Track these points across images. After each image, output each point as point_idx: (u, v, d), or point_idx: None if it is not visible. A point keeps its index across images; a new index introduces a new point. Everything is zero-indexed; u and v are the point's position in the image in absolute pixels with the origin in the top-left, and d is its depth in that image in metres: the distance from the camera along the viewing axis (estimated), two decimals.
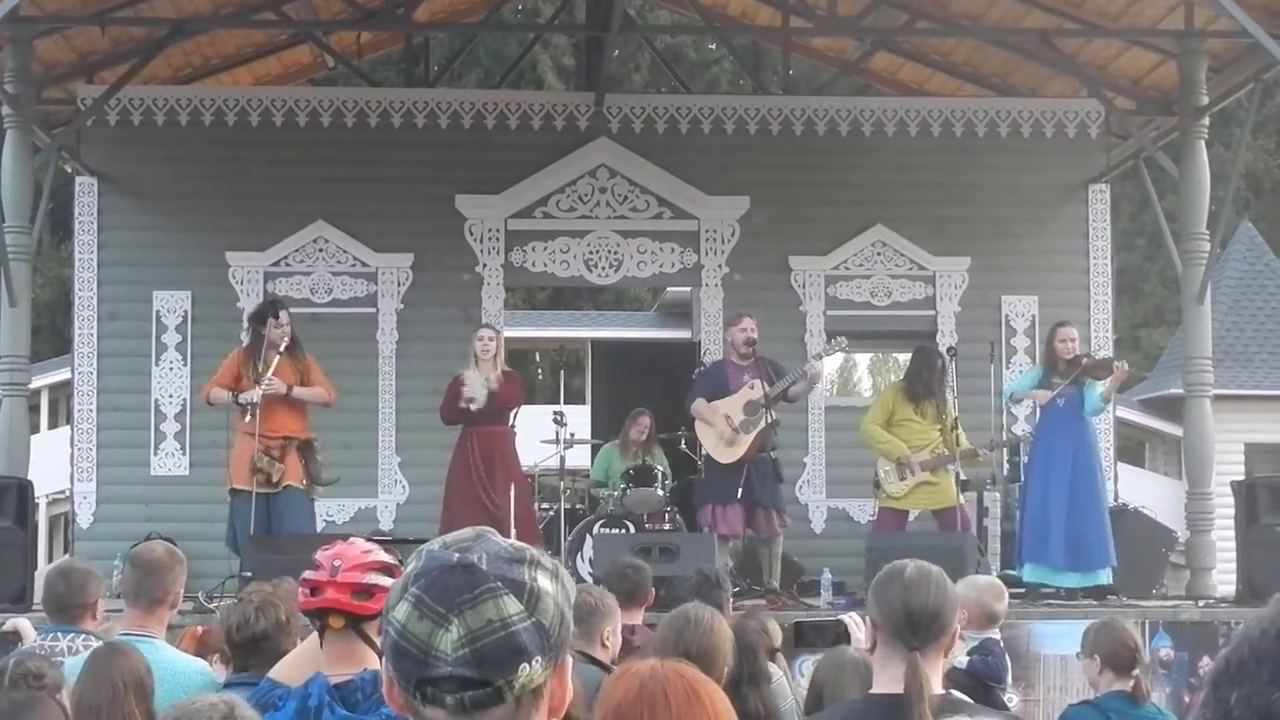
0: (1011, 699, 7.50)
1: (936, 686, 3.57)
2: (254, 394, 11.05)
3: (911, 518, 12.43)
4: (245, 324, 12.58)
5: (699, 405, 12.03)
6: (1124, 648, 6.12)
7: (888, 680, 3.59)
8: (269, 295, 13.17)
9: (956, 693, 3.66)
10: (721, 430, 11.85)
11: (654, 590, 7.27)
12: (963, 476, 12.33)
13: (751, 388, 11.83)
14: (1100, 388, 11.89)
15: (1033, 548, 11.81)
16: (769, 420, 11.72)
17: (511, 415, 12.09)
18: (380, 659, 1.87)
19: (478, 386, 11.75)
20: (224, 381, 11.44)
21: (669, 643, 4.54)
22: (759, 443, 11.77)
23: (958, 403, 12.30)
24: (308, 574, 4.03)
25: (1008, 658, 6.98)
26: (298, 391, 11.21)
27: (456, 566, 1.72)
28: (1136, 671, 6.09)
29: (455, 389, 11.97)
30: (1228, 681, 1.20)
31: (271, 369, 11.18)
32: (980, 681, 6.42)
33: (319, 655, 4.03)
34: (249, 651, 4.84)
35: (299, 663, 4.08)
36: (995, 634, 6.83)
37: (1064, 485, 11.74)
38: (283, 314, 11.48)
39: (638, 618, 6.89)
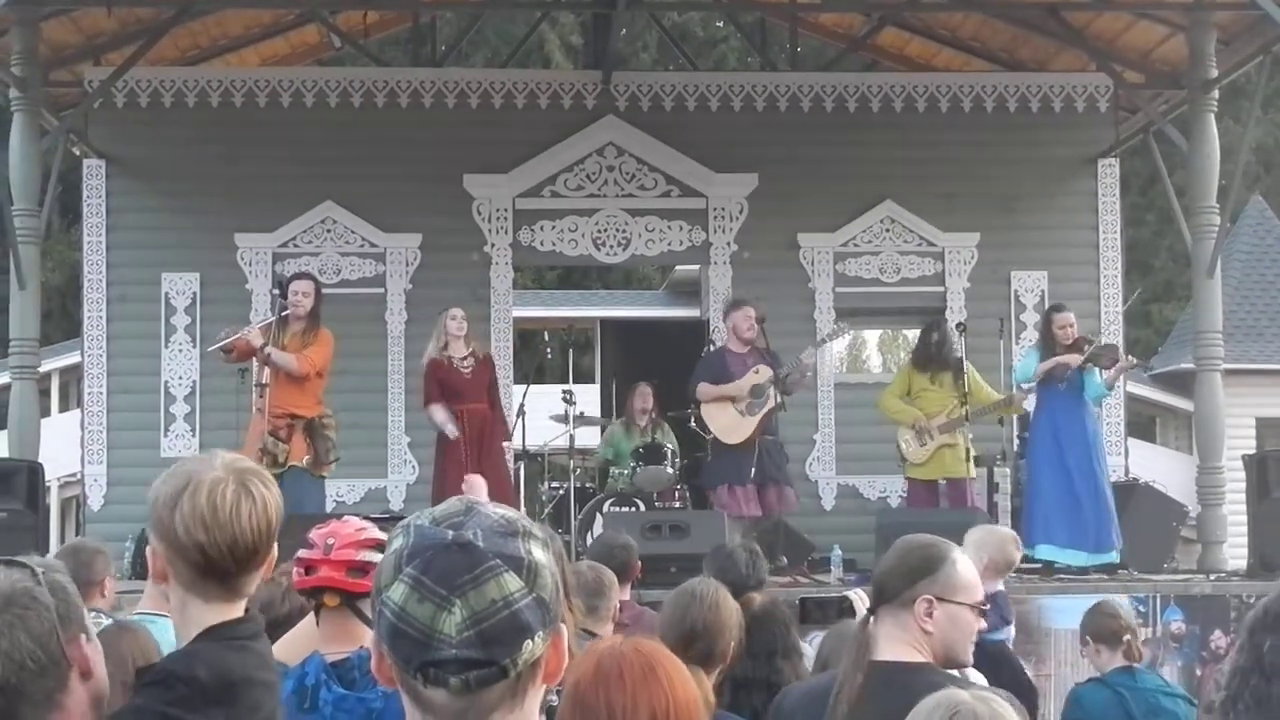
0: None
1: (909, 655, 3.60)
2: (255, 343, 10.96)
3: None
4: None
5: (705, 388, 12.10)
6: (1109, 618, 6.26)
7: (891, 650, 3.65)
8: (301, 269, 13.01)
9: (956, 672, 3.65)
10: (728, 413, 11.94)
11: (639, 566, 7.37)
12: (974, 452, 12.35)
13: (757, 371, 11.89)
14: (1103, 375, 11.89)
15: (1038, 528, 11.84)
16: (775, 402, 11.76)
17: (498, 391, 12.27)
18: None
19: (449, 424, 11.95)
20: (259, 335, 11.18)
21: (675, 618, 4.54)
22: (764, 425, 11.82)
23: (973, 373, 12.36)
24: (302, 553, 4.04)
25: (1011, 607, 7.10)
26: (272, 352, 10.97)
27: (453, 545, 1.69)
28: (1127, 637, 6.20)
29: (433, 376, 12.07)
30: (1263, 628, 1.21)
31: (285, 340, 11.08)
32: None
33: (315, 634, 4.03)
34: (269, 633, 4.83)
35: (296, 642, 4.09)
36: (1001, 586, 7.12)
37: (1066, 466, 11.76)
38: (295, 284, 11.31)
39: (625, 594, 6.93)
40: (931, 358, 12.22)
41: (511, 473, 12.50)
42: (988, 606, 3.87)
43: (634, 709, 2.34)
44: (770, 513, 11.97)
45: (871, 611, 3.67)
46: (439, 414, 11.94)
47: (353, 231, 14.41)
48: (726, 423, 12.00)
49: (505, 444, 12.23)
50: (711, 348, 13.54)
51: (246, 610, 2.83)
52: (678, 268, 21.80)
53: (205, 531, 2.66)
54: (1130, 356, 12.64)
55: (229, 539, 2.67)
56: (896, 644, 3.62)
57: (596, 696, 2.33)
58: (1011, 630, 7.24)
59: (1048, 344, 11.96)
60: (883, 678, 3.48)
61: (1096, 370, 11.86)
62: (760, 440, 11.78)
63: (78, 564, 5.52)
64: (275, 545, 2.79)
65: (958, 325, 13.14)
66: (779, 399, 11.78)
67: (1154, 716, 6.02)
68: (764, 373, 11.88)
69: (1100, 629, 6.28)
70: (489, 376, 12.14)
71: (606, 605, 5.90)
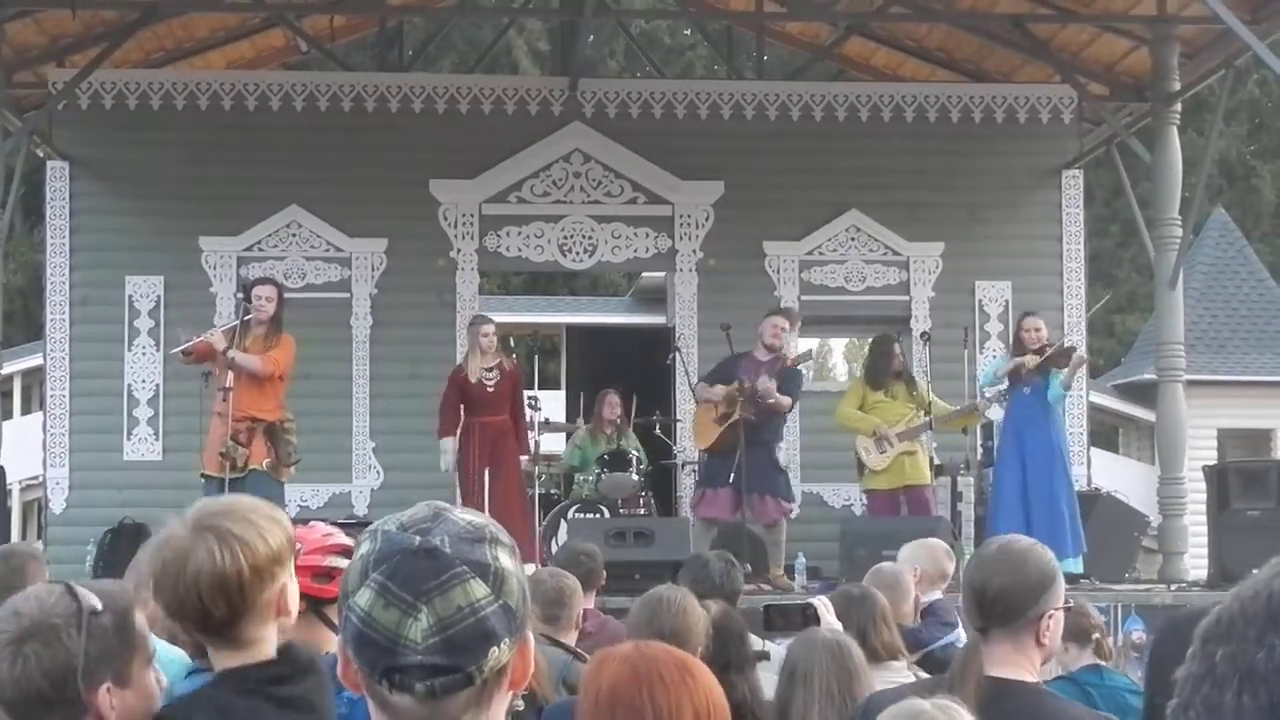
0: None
1: (1022, 673, 3.45)
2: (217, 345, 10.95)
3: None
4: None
5: (700, 388, 12.17)
6: (1078, 616, 6.28)
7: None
8: (265, 274, 12.96)
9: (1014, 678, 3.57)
10: (703, 418, 11.98)
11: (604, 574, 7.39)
12: (937, 461, 12.37)
13: (739, 383, 11.81)
14: (1060, 375, 11.95)
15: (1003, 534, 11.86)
16: (738, 415, 11.73)
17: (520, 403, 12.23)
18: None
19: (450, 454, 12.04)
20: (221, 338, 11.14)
21: (642, 625, 4.54)
22: (727, 436, 11.74)
23: (931, 387, 12.40)
24: None
25: (953, 610, 7.17)
26: (235, 355, 10.94)
27: (420, 551, 1.68)
28: (1096, 635, 6.23)
29: (452, 383, 12.06)
30: (1215, 637, 1.22)
31: (246, 343, 11.04)
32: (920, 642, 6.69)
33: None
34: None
35: None
36: (939, 594, 7.34)
37: (1031, 473, 11.79)
38: (258, 289, 11.29)
39: (589, 602, 6.93)
40: (882, 373, 12.25)
41: (524, 489, 12.37)
42: (1071, 604, 3.78)
43: (679, 708, 2.41)
44: (757, 520, 11.93)
45: (981, 631, 3.50)
46: (446, 444, 12.06)
47: (318, 236, 14.37)
48: (699, 426, 12.07)
49: (523, 458, 12.18)
50: (675, 355, 13.54)
51: (286, 649, 2.80)
52: (644, 274, 21.79)
53: (155, 593, 2.72)
54: (1080, 352, 12.62)
55: (175, 600, 2.70)
56: (1007, 664, 3.47)
57: (640, 697, 2.40)
58: (960, 633, 7.28)
59: (1017, 348, 12.05)
60: (999, 694, 3.33)
61: (1058, 373, 11.94)
62: (745, 448, 11.68)
63: (9, 569, 5.40)
64: (268, 587, 2.76)
65: (922, 335, 13.21)
66: (742, 414, 11.77)
67: (1122, 715, 6.04)
68: (743, 384, 11.83)
69: (1070, 626, 6.29)
70: (511, 389, 12.15)
71: (569, 614, 5.87)
